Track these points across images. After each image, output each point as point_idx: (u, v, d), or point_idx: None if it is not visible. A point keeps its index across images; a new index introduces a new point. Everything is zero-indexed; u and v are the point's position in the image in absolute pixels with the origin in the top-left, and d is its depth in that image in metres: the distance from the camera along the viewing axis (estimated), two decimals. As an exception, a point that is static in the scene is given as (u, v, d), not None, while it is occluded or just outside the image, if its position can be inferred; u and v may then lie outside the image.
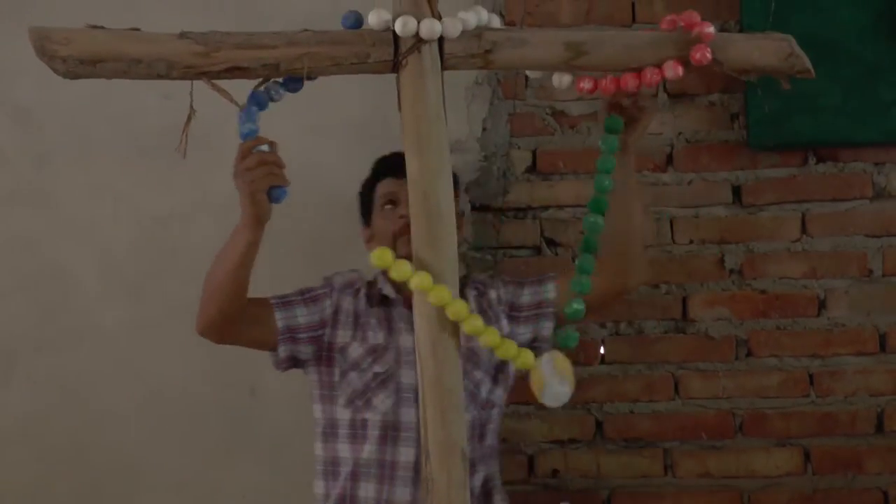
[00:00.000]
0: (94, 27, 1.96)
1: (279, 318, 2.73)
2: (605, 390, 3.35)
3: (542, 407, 3.25)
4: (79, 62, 1.91)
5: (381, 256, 2.09)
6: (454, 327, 2.01)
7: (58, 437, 3.39)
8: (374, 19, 2.03)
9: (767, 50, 2.17)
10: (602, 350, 3.36)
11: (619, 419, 3.35)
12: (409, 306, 2.68)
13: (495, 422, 2.81)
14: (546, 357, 2.16)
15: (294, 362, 2.79)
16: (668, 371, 3.35)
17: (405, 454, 2.71)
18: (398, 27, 2.01)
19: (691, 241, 3.38)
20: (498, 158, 3.39)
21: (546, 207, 3.38)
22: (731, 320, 3.35)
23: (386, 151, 2.87)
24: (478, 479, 2.77)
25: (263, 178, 2.25)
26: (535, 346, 2.77)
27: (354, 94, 3.18)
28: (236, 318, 2.61)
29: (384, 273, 2.75)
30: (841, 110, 3.26)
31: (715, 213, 3.38)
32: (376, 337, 2.77)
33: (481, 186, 3.38)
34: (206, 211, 3.37)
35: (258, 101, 2.07)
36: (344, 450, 2.75)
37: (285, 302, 2.76)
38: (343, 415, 2.75)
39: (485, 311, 2.79)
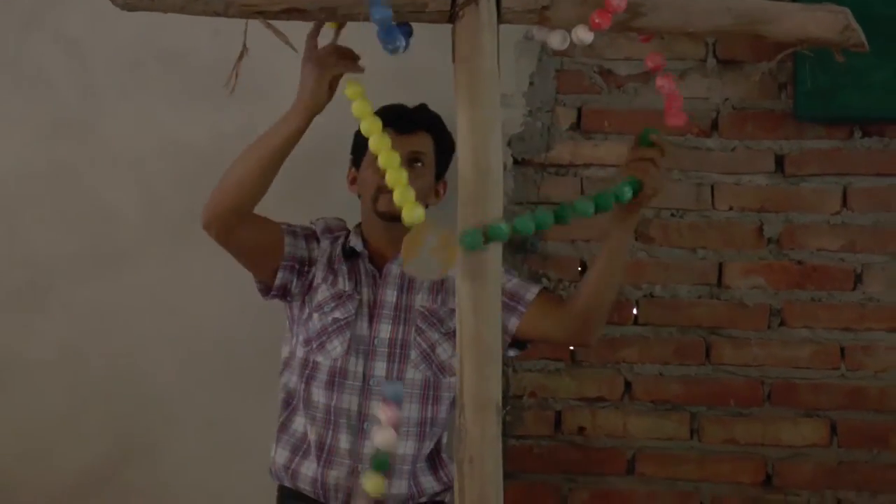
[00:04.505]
0: (156, -39, 1.96)
1: (287, 244, 2.82)
2: (635, 351, 3.36)
3: (572, 364, 3.33)
4: (137, -5, 1.92)
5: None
6: (496, 284, 2.01)
7: (91, 367, 3.42)
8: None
9: (824, 22, 2.15)
10: (635, 311, 3.37)
11: (648, 381, 3.36)
12: (373, 261, 2.86)
13: (451, 391, 2.81)
14: (437, 230, 2.07)
15: (282, 292, 2.84)
16: (699, 336, 3.36)
17: (348, 401, 2.78)
18: None
19: (731, 208, 3.38)
20: (543, 114, 3.39)
21: (588, 166, 3.37)
22: (766, 289, 3.35)
23: (432, 103, 2.88)
24: (426, 447, 2.82)
25: (335, 64, 2.37)
26: None
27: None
28: (247, 216, 2.68)
29: (357, 226, 2.89)
30: (891, 86, 3.23)
31: (756, 181, 3.37)
32: (344, 284, 2.83)
33: (524, 141, 3.38)
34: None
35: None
36: (297, 385, 2.84)
37: (293, 231, 2.84)
38: (298, 352, 2.84)
39: None
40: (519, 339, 2.84)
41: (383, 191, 2.77)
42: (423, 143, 2.87)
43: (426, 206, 2.89)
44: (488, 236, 1.94)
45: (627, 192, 2.18)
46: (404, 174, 2.06)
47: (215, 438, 3.42)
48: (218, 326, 3.38)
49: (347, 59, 2.43)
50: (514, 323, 2.79)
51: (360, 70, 2.42)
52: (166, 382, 3.41)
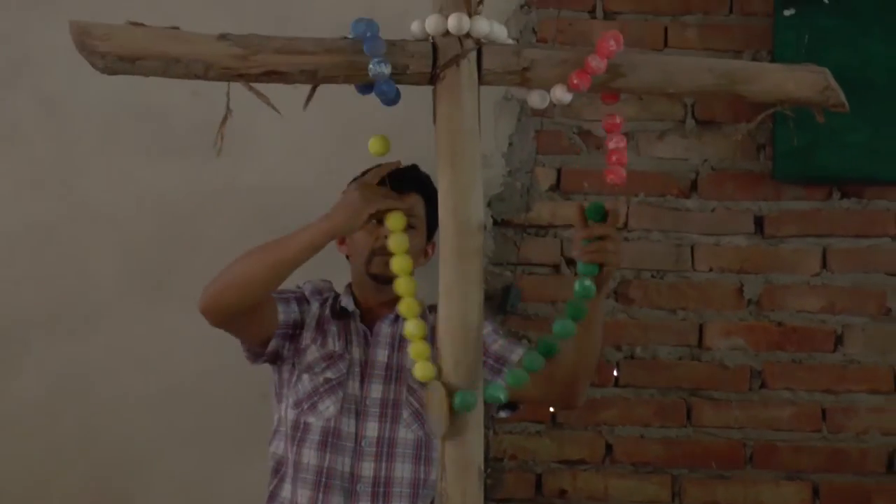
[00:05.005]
0: (135, 24, 1.96)
1: (281, 312, 2.78)
2: (616, 413, 3.34)
3: (552, 426, 3.31)
4: (118, 59, 1.91)
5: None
6: (477, 349, 1.99)
7: (67, 426, 3.38)
8: (416, 27, 2.03)
9: (803, 81, 2.16)
10: (616, 372, 3.35)
11: (629, 442, 3.34)
12: (364, 320, 2.83)
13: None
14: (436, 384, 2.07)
15: (273, 358, 2.82)
16: (680, 397, 3.34)
17: (341, 463, 2.73)
18: (429, 25, 2.01)
19: (711, 269, 3.37)
20: (522, 174, 3.39)
21: (568, 226, 3.35)
22: (747, 350, 3.35)
23: (416, 163, 2.87)
24: None
25: (381, 203, 2.39)
26: None
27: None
28: (247, 311, 2.64)
29: (349, 286, 2.88)
30: (869, 147, 3.25)
31: (736, 242, 3.37)
32: (334, 344, 2.81)
33: (504, 201, 3.37)
34: (228, 208, 3.39)
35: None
36: (287, 450, 2.79)
37: (284, 298, 2.81)
38: (289, 415, 2.79)
39: None
40: (509, 401, 2.80)
41: (377, 253, 2.76)
42: (416, 206, 2.81)
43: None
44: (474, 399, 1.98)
45: (591, 288, 2.15)
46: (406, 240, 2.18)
47: (193, 498, 3.38)
48: (196, 385, 3.35)
49: (393, 199, 2.42)
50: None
51: (404, 207, 2.38)
52: (144, 442, 3.37)
